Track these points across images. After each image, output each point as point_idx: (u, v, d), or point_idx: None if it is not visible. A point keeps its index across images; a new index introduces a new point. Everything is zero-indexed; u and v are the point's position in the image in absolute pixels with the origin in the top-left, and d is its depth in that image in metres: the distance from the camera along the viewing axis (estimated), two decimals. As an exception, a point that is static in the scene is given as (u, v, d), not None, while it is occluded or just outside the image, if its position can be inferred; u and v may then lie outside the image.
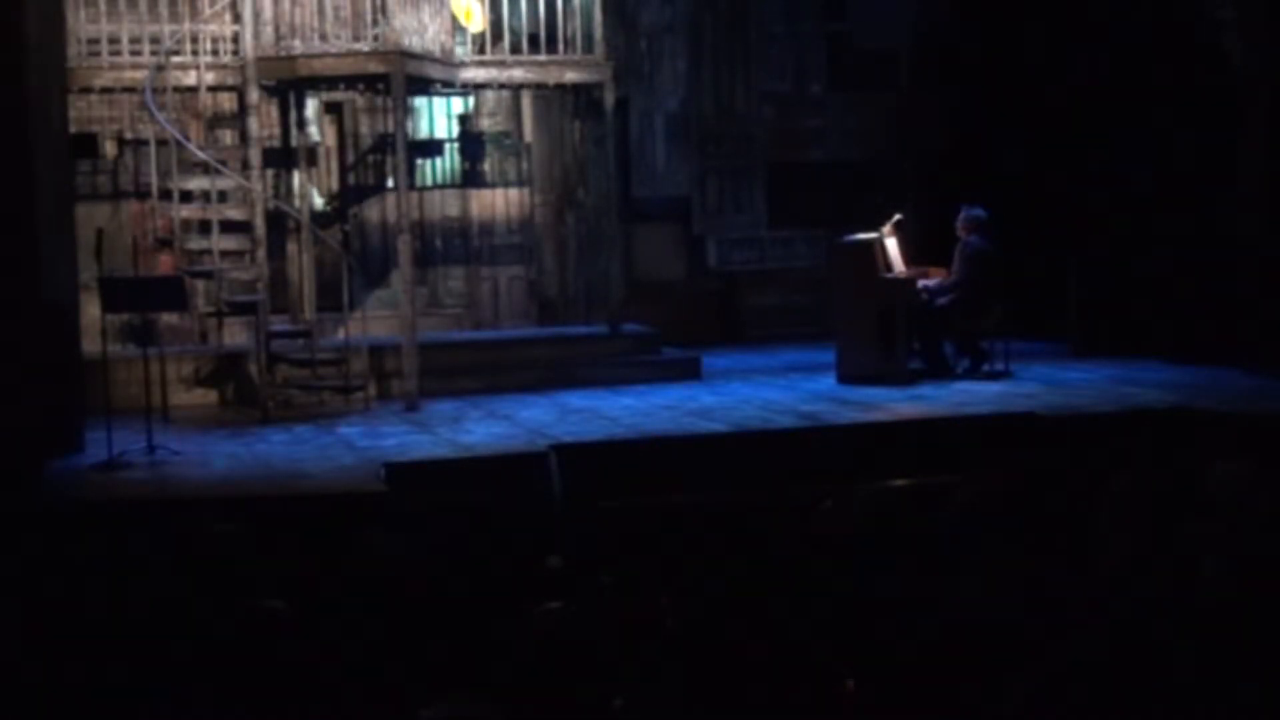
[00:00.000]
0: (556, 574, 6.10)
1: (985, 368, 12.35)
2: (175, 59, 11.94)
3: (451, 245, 14.59)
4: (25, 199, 9.74)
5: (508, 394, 12.20)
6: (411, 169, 13.66)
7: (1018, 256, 12.63)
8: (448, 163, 14.63)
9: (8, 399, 9.32)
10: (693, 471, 9.66)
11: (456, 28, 12.70)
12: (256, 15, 11.86)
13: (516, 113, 14.74)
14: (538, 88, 13.43)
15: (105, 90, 12.23)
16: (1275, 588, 5.15)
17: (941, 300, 12.19)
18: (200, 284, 12.78)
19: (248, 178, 11.94)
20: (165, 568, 6.82)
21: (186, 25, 12.11)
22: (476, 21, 12.93)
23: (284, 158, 13.33)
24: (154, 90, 11.68)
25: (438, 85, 12.90)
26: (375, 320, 12.72)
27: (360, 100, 14.05)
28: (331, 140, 14.17)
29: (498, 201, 14.72)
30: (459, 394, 12.17)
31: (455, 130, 14.64)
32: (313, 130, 13.42)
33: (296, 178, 13.25)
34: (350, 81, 12.68)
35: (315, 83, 12.55)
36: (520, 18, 12.98)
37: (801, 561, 6.03)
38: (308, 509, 8.57)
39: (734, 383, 12.67)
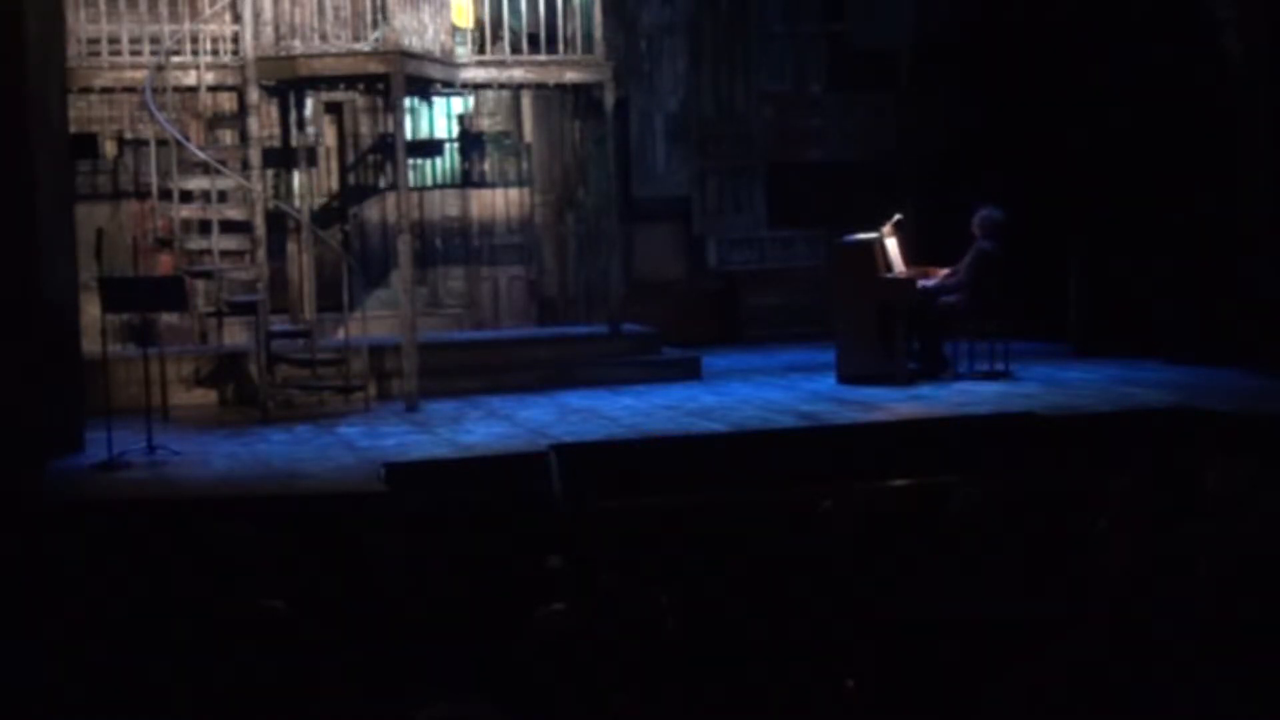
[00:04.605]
0: (556, 574, 6.10)
1: (949, 372, 12.34)
2: (175, 59, 11.94)
3: (451, 245, 14.58)
4: (25, 199, 9.74)
5: (508, 394, 12.20)
6: (411, 169, 13.65)
7: (1018, 256, 12.62)
8: (448, 163, 14.62)
9: (8, 399, 9.31)
10: (693, 471, 9.66)
11: (456, 28, 12.69)
12: (256, 15, 11.86)
13: (516, 113, 14.74)
14: (538, 88, 13.43)
15: (105, 90, 12.23)
16: (1275, 588, 5.15)
17: (945, 300, 12.17)
18: (200, 284, 12.78)
19: (248, 178, 11.94)
20: (165, 567, 6.82)
21: (186, 25, 12.10)
22: (466, 17, 12.91)
23: (284, 158, 13.33)
24: (154, 90, 11.68)
25: (438, 85, 12.90)
26: (375, 320, 12.71)
27: (360, 100, 14.04)
28: (331, 140, 14.16)
29: (498, 201, 14.72)
30: (459, 394, 12.16)
31: (455, 130, 14.63)
32: (312, 130, 13.41)
33: (296, 178, 13.25)
34: (350, 81, 12.68)
35: (315, 83, 12.55)
36: (520, 18, 12.97)
37: (801, 562, 6.03)
38: (308, 509, 8.57)
39: (734, 383, 12.66)
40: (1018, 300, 12.23)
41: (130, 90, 12.14)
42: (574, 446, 9.85)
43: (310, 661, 4.77)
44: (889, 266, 12.19)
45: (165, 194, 11.95)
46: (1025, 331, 12.87)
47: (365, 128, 14.28)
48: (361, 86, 13.13)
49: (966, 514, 6.46)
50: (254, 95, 12.00)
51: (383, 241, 14.18)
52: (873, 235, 12.22)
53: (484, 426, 10.84)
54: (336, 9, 11.97)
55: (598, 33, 13.06)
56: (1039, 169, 13.93)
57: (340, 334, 12.29)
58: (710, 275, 15.78)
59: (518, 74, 12.97)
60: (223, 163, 11.95)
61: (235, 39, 12.11)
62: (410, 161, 13.40)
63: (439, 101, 14.38)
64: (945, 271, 12.34)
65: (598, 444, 10.03)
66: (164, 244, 12.62)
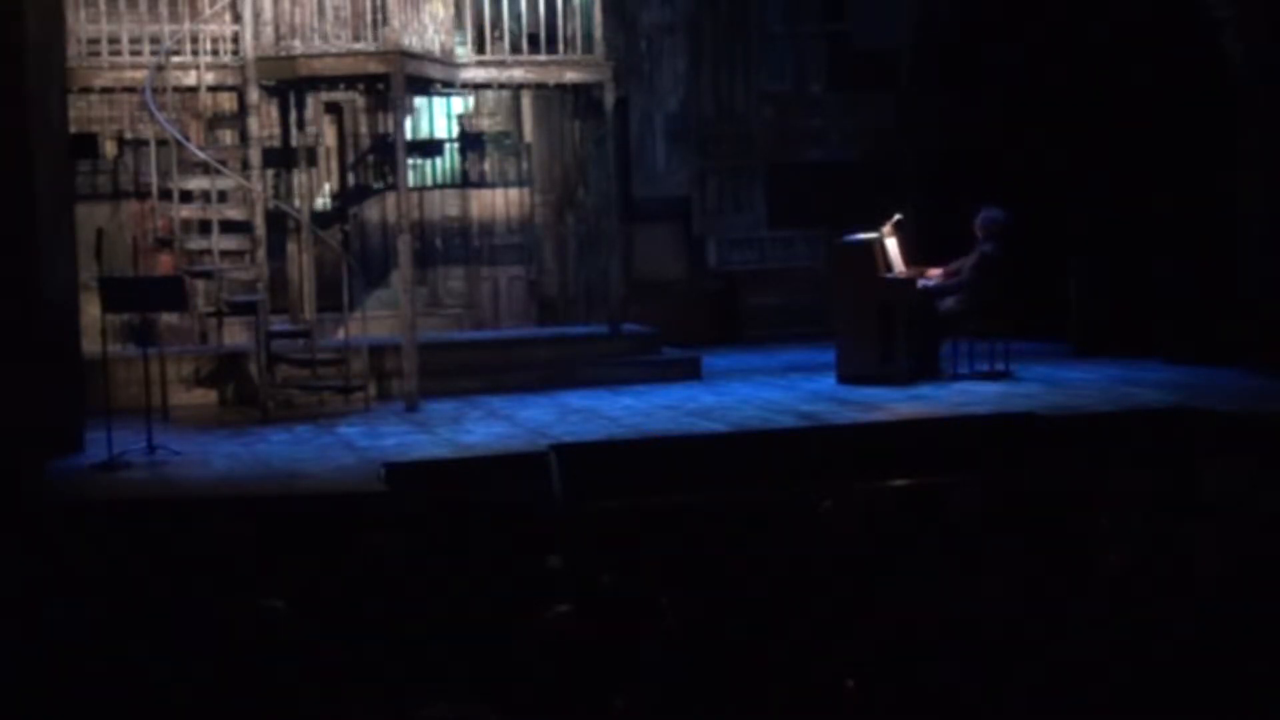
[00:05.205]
0: (556, 574, 6.10)
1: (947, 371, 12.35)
2: (175, 59, 11.93)
3: (451, 245, 14.58)
4: (25, 199, 9.74)
5: (508, 394, 12.20)
6: (411, 169, 13.64)
7: (1018, 256, 12.61)
8: (448, 163, 14.62)
9: (8, 399, 9.31)
10: (693, 471, 9.66)
11: (457, 27, 12.69)
12: (256, 15, 11.85)
13: (516, 113, 14.73)
14: (538, 88, 13.43)
15: (105, 90, 12.23)
16: (1274, 587, 5.16)
17: (947, 302, 12.15)
18: (200, 284, 12.77)
19: (248, 178, 11.94)
20: (165, 567, 6.82)
21: (186, 25, 12.10)
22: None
23: (284, 158, 13.33)
24: (154, 90, 11.67)
25: (438, 85, 12.89)
26: (375, 320, 12.71)
27: (360, 100, 14.04)
28: (331, 140, 14.16)
29: (498, 201, 14.71)
30: (459, 394, 12.16)
31: (455, 130, 14.63)
32: (312, 130, 13.41)
33: (296, 178, 13.25)
34: (350, 81, 12.67)
35: (315, 83, 12.54)
36: (520, 18, 12.97)
37: (801, 561, 6.03)
38: (308, 509, 8.56)
39: (734, 383, 12.66)
40: (1018, 301, 12.21)
41: (130, 90, 12.14)
42: (574, 446, 9.85)
43: (310, 661, 4.77)
44: (889, 266, 12.18)
45: (165, 194, 11.95)
46: (1025, 331, 12.86)
47: (365, 128, 14.28)
48: (361, 86, 13.13)
49: (966, 514, 6.46)
50: (254, 95, 11.99)
51: (383, 241, 14.18)
52: (873, 235, 12.21)
53: (484, 426, 10.84)
54: (336, 9, 11.96)
55: (598, 33, 13.05)
56: (1039, 169, 13.93)
57: (340, 334, 12.29)
58: (710, 275, 15.78)
59: (518, 74, 12.97)
60: (223, 163, 11.94)
61: (235, 39, 12.10)
62: (410, 161, 13.41)
63: (439, 101, 14.38)
64: (939, 271, 12.31)
65: (598, 444, 10.02)
66: (164, 244, 12.62)
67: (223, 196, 12.00)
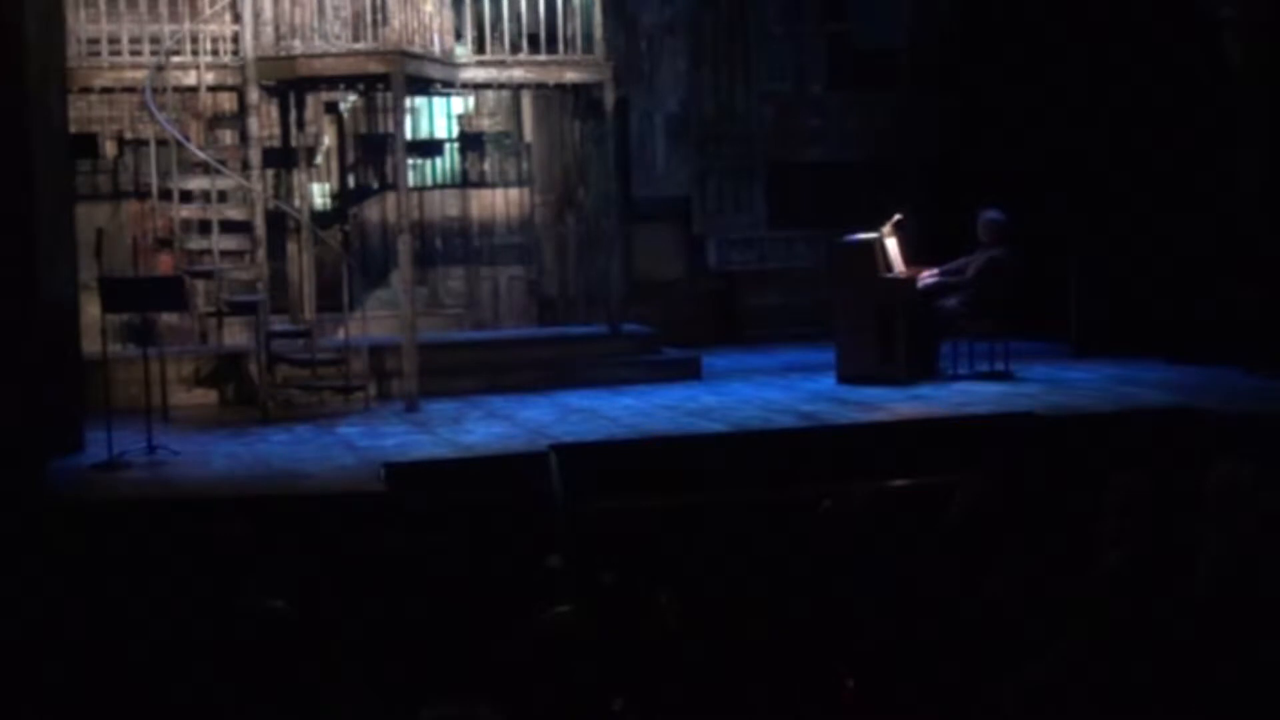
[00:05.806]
0: (556, 574, 6.11)
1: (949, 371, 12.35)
2: (175, 59, 11.94)
3: (451, 245, 14.58)
4: (25, 199, 9.73)
5: (508, 394, 12.20)
6: (411, 169, 13.64)
7: (1018, 257, 12.60)
8: (448, 163, 14.63)
9: (8, 399, 9.31)
10: (693, 471, 9.66)
11: (457, 27, 12.69)
12: (256, 15, 11.86)
13: (516, 113, 14.74)
14: (538, 88, 13.43)
15: (105, 90, 12.23)
16: (1273, 587, 5.15)
17: (949, 302, 12.14)
18: (200, 284, 12.77)
19: (248, 178, 11.94)
20: (165, 567, 6.82)
21: (186, 25, 12.10)
22: None
23: (284, 158, 13.33)
24: (154, 90, 11.67)
25: (438, 85, 12.90)
26: (375, 320, 12.71)
27: (360, 100, 14.04)
28: (331, 140, 14.16)
29: (498, 201, 14.72)
30: (459, 394, 12.16)
31: (455, 130, 14.63)
32: (312, 130, 13.41)
33: (296, 178, 13.25)
34: (350, 81, 12.68)
35: (315, 83, 12.55)
36: (520, 18, 12.97)
37: (801, 561, 6.03)
38: (308, 509, 8.57)
39: (734, 383, 12.65)
40: (1018, 301, 12.20)
41: (130, 90, 12.14)
42: (574, 446, 9.84)
43: (310, 661, 4.77)
44: (889, 266, 12.18)
45: (165, 194, 11.95)
46: (1025, 331, 12.86)
47: (365, 128, 14.28)
48: (361, 86, 13.13)
49: (967, 513, 6.46)
50: (254, 95, 12.00)
51: (383, 241, 14.18)
52: (873, 235, 12.20)
53: (484, 426, 10.84)
54: (336, 9, 11.97)
55: (598, 33, 13.05)
56: (1039, 169, 13.92)
57: (340, 334, 12.29)
58: (710, 275, 15.77)
59: (518, 74, 12.97)
60: (223, 163, 11.95)
61: (235, 39, 12.11)
62: (410, 161, 13.40)
63: (439, 101, 14.38)
64: (933, 271, 12.29)
65: (598, 444, 10.02)
66: (164, 244, 12.62)
67: (223, 196, 12.00)
